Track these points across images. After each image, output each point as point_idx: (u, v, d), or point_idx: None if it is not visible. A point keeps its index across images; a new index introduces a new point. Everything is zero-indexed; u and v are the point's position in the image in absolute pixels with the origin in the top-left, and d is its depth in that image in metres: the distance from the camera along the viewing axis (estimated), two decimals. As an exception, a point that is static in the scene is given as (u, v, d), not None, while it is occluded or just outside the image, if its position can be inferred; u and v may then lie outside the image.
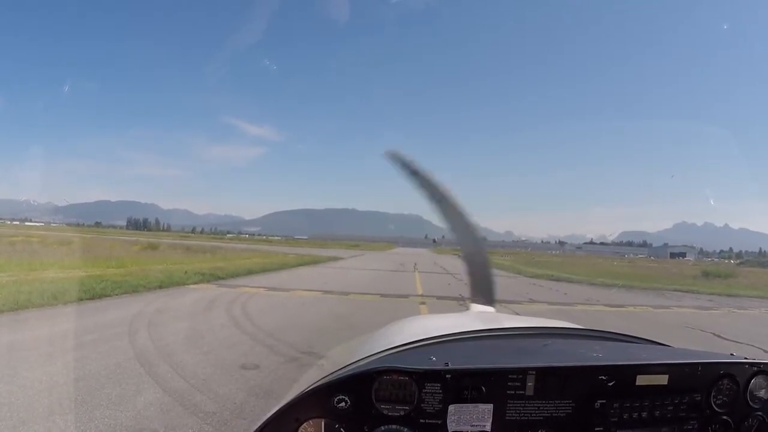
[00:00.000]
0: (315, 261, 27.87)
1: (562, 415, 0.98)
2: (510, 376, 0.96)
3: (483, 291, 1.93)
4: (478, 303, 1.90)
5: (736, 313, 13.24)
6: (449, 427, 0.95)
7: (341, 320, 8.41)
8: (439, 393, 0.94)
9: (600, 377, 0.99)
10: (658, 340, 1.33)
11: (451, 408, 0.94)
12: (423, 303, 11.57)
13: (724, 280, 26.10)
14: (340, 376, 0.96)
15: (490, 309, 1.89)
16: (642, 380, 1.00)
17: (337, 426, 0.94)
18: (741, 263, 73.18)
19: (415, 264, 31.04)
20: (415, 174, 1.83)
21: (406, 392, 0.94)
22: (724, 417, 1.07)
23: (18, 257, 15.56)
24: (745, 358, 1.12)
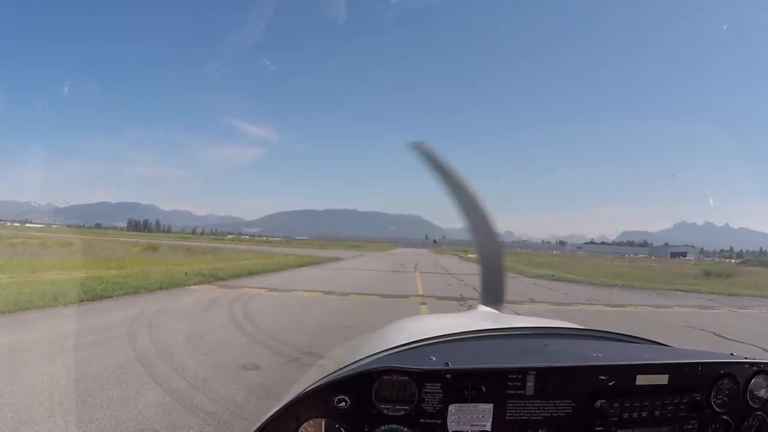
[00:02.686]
0: (315, 262, 27.88)
1: (562, 414, 0.98)
2: (510, 376, 0.96)
3: (493, 293, 1.91)
4: (486, 305, 1.89)
5: (737, 313, 13.22)
6: (449, 427, 0.95)
7: (341, 321, 8.41)
8: (440, 393, 0.94)
9: (600, 377, 0.99)
10: (658, 340, 1.33)
11: (452, 408, 0.94)
12: (423, 303, 11.57)
13: (725, 280, 26.05)
14: (341, 376, 0.96)
15: (495, 311, 1.88)
16: (642, 380, 1.00)
17: (337, 426, 0.94)
18: (741, 263, 73.06)
19: (416, 264, 31.03)
20: (439, 168, 1.80)
21: (407, 392, 0.94)
22: (725, 417, 1.07)
23: (19, 259, 15.59)
24: (746, 358, 1.12)
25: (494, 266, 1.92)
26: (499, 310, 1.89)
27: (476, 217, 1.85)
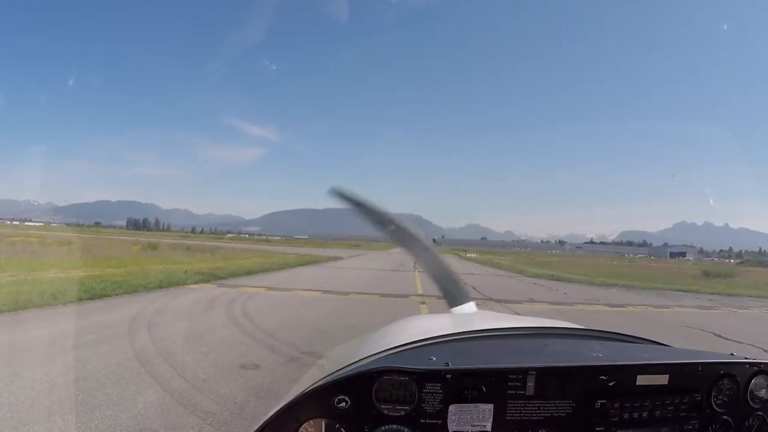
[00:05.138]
0: (315, 261, 27.86)
1: (562, 415, 0.98)
2: (510, 376, 0.96)
3: (454, 291, 1.95)
4: (457, 304, 1.91)
5: (737, 313, 13.22)
6: (450, 427, 0.94)
7: (341, 320, 8.41)
8: (440, 393, 0.94)
9: (600, 377, 0.99)
10: (658, 340, 1.33)
11: (452, 408, 0.94)
12: (423, 303, 11.56)
13: (724, 280, 26.05)
14: (341, 376, 0.96)
15: (471, 306, 1.89)
16: (642, 380, 1.00)
17: (337, 426, 0.94)
18: (741, 263, 73.14)
19: (415, 264, 31.00)
20: (359, 205, 1.89)
21: (407, 392, 0.94)
22: (725, 417, 1.06)
23: (18, 257, 15.56)
24: (746, 358, 1.12)
25: (439, 269, 1.97)
26: (471, 303, 1.91)
27: (402, 236, 1.96)
